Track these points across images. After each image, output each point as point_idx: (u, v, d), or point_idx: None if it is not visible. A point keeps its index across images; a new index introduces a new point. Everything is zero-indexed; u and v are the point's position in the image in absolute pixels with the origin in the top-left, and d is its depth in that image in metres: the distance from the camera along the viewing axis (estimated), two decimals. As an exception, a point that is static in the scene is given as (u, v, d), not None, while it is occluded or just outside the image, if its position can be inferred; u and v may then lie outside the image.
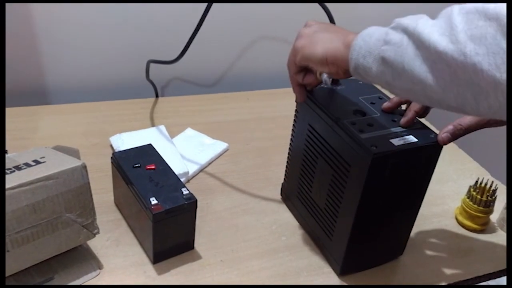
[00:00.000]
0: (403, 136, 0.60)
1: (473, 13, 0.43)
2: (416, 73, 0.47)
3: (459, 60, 0.43)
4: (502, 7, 0.41)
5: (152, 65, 1.01)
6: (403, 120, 0.62)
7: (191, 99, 1.09)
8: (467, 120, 0.60)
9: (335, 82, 0.70)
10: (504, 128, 0.61)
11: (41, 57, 1.00)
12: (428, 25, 0.46)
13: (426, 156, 0.61)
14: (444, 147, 0.60)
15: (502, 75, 0.41)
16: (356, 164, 0.59)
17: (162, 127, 0.95)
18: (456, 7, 0.45)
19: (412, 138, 0.59)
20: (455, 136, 0.59)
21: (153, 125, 0.98)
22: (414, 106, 0.63)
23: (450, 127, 0.60)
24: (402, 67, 0.48)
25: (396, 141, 0.58)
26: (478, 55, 0.42)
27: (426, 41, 0.45)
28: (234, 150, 0.93)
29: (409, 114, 0.63)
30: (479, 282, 0.71)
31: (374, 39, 0.51)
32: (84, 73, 1.05)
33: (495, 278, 0.72)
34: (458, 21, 0.43)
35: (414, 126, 0.62)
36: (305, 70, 0.64)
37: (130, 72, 1.07)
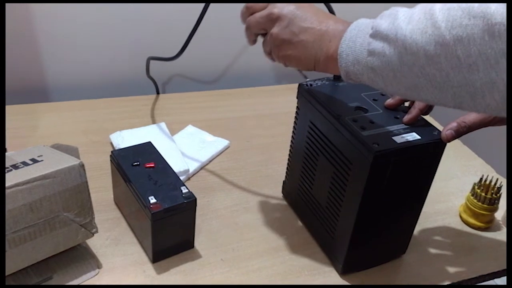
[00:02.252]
0: (405, 133, 0.58)
1: (455, 10, 0.41)
2: (408, 80, 0.46)
3: (453, 62, 0.41)
4: (488, 6, 0.39)
5: (152, 62, 1.00)
6: (406, 118, 0.61)
7: (192, 95, 1.08)
8: (471, 117, 0.59)
9: (336, 78, 0.69)
10: (509, 125, 0.60)
11: (40, 54, 0.99)
12: (410, 28, 0.44)
13: (429, 153, 0.59)
14: (448, 143, 0.59)
15: (498, 74, 0.39)
16: (357, 162, 0.58)
17: (163, 124, 0.94)
18: (437, 4, 0.44)
19: (415, 136, 0.58)
20: (458, 133, 0.58)
21: (153, 122, 0.97)
22: (419, 104, 0.62)
23: (454, 124, 0.58)
24: (392, 76, 0.47)
25: (398, 139, 0.57)
26: (470, 56, 0.40)
27: (413, 46, 0.44)
28: (235, 148, 0.92)
29: (413, 112, 0.61)
30: (484, 281, 0.70)
31: (358, 45, 0.50)
32: (84, 70, 1.04)
33: (500, 277, 0.71)
34: (440, 18, 0.42)
35: (417, 123, 0.61)
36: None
37: (131, 69, 1.06)
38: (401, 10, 0.47)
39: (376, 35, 0.48)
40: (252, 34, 0.62)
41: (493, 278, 0.71)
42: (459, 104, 0.45)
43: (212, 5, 0.74)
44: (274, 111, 1.04)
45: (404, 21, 0.45)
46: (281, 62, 0.61)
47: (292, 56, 0.57)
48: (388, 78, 0.48)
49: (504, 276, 0.72)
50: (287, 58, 0.59)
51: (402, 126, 0.60)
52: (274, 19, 0.57)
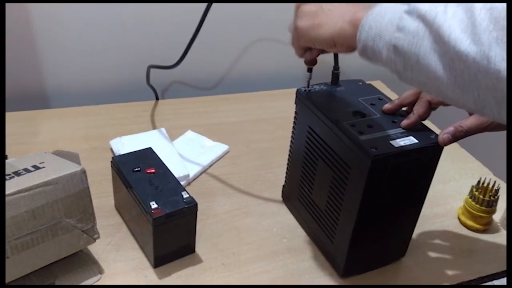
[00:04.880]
0: (403, 137, 0.59)
1: (499, 11, 0.38)
2: (432, 69, 0.43)
3: (481, 64, 0.38)
4: None
5: (152, 69, 1.01)
6: (404, 122, 0.62)
7: (191, 101, 1.09)
8: (468, 122, 0.59)
9: (334, 83, 0.70)
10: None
11: (41, 61, 1.00)
12: (448, 17, 0.41)
13: (426, 157, 0.60)
14: (446, 147, 0.60)
15: None
16: (356, 166, 0.59)
17: (163, 130, 0.94)
18: (478, 4, 0.40)
19: (412, 139, 0.59)
20: (455, 137, 0.58)
21: (153, 128, 0.97)
22: (418, 110, 0.62)
23: (451, 128, 0.59)
24: (416, 60, 0.44)
25: (396, 143, 0.58)
26: (504, 61, 0.37)
27: (446, 36, 0.41)
28: (235, 152, 0.93)
29: (412, 118, 0.62)
30: (482, 283, 0.71)
31: (386, 20, 0.47)
32: (84, 76, 1.05)
33: (498, 279, 0.72)
34: (482, 17, 0.39)
35: (414, 127, 0.61)
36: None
37: (130, 75, 1.07)
38: (441, 4, 0.44)
39: (413, 12, 0.44)
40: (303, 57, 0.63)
41: (491, 280, 0.71)
42: (481, 109, 0.42)
43: (210, 12, 0.75)
44: (273, 116, 1.05)
45: (445, 12, 0.42)
46: (297, 40, 0.59)
47: (310, 28, 0.55)
48: (410, 61, 0.45)
49: (502, 277, 0.72)
50: (305, 31, 0.56)
51: (399, 130, 0.61)
52: (301, 14, 0.57)
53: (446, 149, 0.61)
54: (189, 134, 0.96)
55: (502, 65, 0.37)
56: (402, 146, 0.57)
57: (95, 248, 0.68)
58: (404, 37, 0.45)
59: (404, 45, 0.45)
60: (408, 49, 0.44)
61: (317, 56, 0.63)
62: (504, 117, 0.41)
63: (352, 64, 1.15)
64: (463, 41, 0.40)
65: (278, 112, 1.05)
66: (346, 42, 0.53)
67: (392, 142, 0.58)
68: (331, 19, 0.54)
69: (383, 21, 0.47)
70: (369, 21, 0.48)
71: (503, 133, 0.62)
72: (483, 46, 0.38)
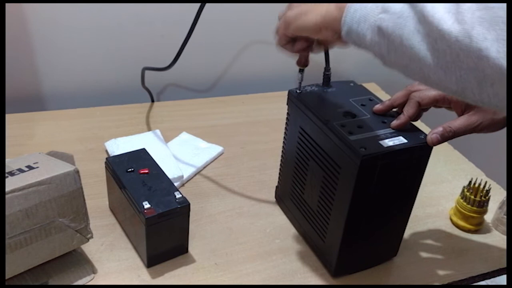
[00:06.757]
0: (392, 137, 0.60)
1: None
2: (415, 50, 0.43)
3: (463, 43, 0.39)
4: None
5: (147, 71, 1.02)
6: (394, 123, 0.62)
7: (186, 103, 1.09)
8: (457, 123, 0.60)
9: (325, 84, 0.71)
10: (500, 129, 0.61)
11: (36, 63, 1.01)
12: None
13: (416, 157, 0.61)
14: (439, 147, 0.60)
15: None
16: (346, 166, 0.59)
17: (157, 132, 0.95)
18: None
19: (401, 139, 0.59)
20: (444, 138, 0.59)
21: (148, 129, 0.98)
22: (408, 111, 0.63)
23: (440, 128, 0.59)
24: (399, 41, 0.44)
25: (385, 143, 0.58)
26: (486, 40, 0.38)
27: (430, 16, 0.41)
28: (229, 154, 0.94)
29: (402, 118, 0.62)
30: (474, 282, 0.72)
31: (372, 4, 0.47)
32: (80, 79, 1.06)
33: (489, 278, 0.73)
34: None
35: (404, 128, 0.62)
36: (294, 39, 0.62)
37: (126, 77, 1.08)
38: None
39: None
40: (285, 50, 0.63)
41: (482, 280, 0.72)
42: (462, 91, 0.42)
43: (204, 14, 0.76)
44: (267, 118, 1.06)
45: None
46: (284, 28, 0.60)
47: (298, 16, 0.56)
48: (394, 43, 0.45)
49: (493, 277, 0.73)
50: (293, 19, 0.57)
51: (389, 130, 0.61)
52: (289, 6, 0.58)
53: (439, 151, 0.61)
54: (184, 136, 0.96)
55: (484, 44, 0.38)
56: (391, 146, 0.58)
57: (89, 248, 0.68)
58: (388, 18, 0.45)
59: (389, 26, 0.45)
60: (392, 30, 0.45)
61: (301, 50, 0.63)
62: (485, 99, 0.41)
63: (347, 67, 1.16)
64: (446, 21, 0.40)
65: (272, 114, 1.06)
66: (331, 26, 0.53)
67: (381, 142, 0.59)
68: (318, 6, 0.55)
69: (368, 5, 0.48)
70: (354, 4, 0.49)
71: (496, 135, 0.63)
72: (466, 24, 0.39)
